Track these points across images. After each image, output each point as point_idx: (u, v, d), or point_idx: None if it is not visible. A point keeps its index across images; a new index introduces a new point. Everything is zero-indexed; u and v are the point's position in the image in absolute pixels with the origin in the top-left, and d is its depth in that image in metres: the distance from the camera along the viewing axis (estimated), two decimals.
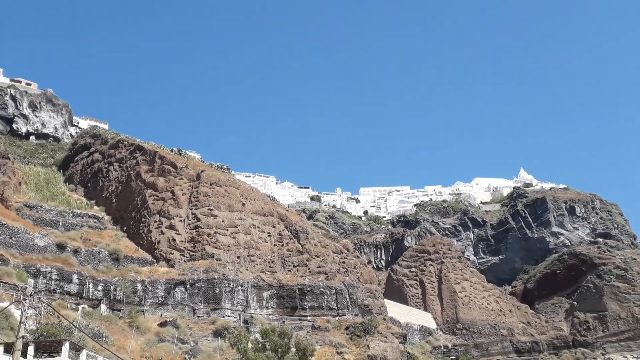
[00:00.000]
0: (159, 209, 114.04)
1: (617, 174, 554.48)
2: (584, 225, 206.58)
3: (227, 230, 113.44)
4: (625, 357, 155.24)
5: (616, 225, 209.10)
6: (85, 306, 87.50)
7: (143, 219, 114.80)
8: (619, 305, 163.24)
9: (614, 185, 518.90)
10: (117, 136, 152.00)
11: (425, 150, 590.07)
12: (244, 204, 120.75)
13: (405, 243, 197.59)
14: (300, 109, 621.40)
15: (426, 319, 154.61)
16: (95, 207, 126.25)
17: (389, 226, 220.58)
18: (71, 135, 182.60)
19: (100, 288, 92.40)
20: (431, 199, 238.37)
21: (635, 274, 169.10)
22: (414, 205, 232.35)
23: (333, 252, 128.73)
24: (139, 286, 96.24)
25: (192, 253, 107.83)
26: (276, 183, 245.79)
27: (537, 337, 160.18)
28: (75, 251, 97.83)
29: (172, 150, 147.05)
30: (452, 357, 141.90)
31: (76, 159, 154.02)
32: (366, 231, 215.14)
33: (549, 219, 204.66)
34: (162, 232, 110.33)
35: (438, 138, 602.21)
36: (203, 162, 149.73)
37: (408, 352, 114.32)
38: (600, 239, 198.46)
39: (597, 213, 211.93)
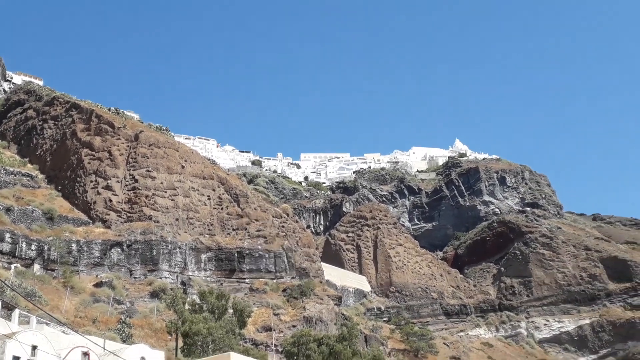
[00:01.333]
0: (96, 169, 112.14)
1: (548, 146, 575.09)
2: (513, 195, 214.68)
3: (166, 192, 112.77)
4: (547, 320, 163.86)
5: (544, 196, 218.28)
6: (18, 265, 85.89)
7: (79, 179, 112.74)
8: (543, 272, 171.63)
9: (544, 157, 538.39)
10: (52, 93, 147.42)
11: (365, 118, 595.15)
12: (183, 167, 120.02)
13: (344, 209, 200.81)
14: (242, 72, 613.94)
15: (361, 282, 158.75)
16: (29, 165, 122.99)
17: (329, 192, 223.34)
18: (4, 90, 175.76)
19: (33, 247, 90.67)
20: (370, 167, 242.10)
21: (560, 242, 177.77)
22: (353, 172, 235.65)
23: (273, 217, 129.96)
24: (73, 246, 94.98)
25: (129, 214, 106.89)
26: (217, 146, 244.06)
27: (465, 301, 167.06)
28: (8, 209, 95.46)
29: (109, 110, 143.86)
30: (385, 319, 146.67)
31: (9, 115, 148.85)
32: (306, 197, 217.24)
33: (481, 188, 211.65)
34: (99, 193, 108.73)
35: (378, 107, 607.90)
36: (142, 122, 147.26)
37: (343, 314, 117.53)
38: (528, 209, 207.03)
39: (526, 183, 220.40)
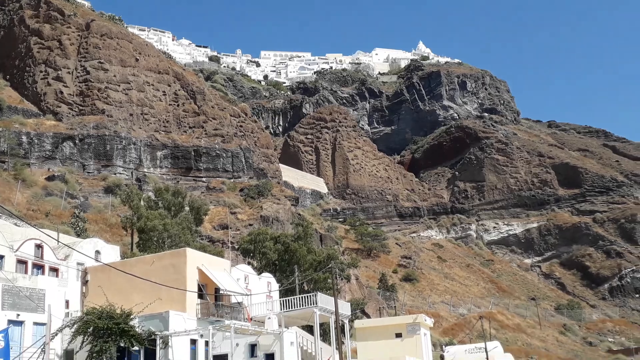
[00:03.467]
0: (45, 58, 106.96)
1: (510, 52, 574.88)
2: (472, 100, 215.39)
3: (119, 86, 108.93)
4: (497, 223, 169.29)
5: (502, 102, 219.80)
6: None
7: (28, 69, 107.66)
8: (496, 177, 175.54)
9: (506, 63, 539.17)
10: None
11: (328, 17, 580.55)
12: (137, 60, 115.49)
13: (304, 110, 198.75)
14: None
15: (318, 184, 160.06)
16: None
17: (288, 92, 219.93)
18: None
19: None
20: (331, 67, 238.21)
21: (514, 148, 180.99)
22: (314, 73, 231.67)
23: (230, 116, 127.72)
24: (24, 138, 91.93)
25: (81, 107, 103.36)
26: (173, 40, 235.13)
27: (419, 204, 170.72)
28: None
29: None
30: (340, 220, 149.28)
31: None
32: (265, 96, 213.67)
33: (441, 92, 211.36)
34: (49, 84, 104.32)
35: (342, 5, 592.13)
36: (93, 10, 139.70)
37: (299, 214, 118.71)
38: (486, 114, 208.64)
39: (486, 89, 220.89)
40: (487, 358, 49.57)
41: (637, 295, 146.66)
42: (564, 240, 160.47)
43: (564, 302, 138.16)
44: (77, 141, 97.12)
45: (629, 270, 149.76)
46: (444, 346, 70.09)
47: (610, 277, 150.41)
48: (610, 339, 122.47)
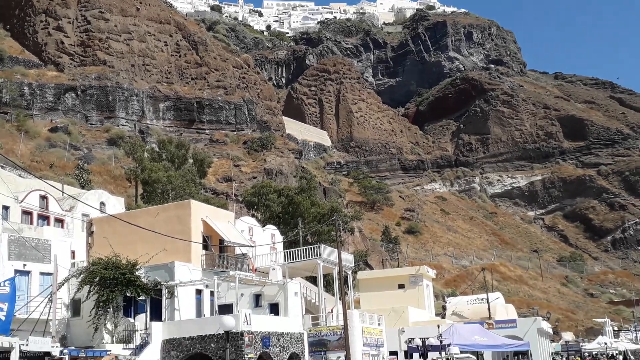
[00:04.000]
0: (45, 7, 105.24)
1: (516, 1, 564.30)
2: (478, 51, 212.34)
3: (120, 36, 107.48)
4: (501, 176, 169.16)
5: (509, 53, 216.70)
6: None
7: (28, 18, 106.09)
8: (501, 129, 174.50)
9: (513, 13, 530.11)
10: None
11: None
12: (138, 9, 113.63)
13: (307, 61, 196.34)
14: None
15: (322, 137, 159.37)
16: None
17: (292, 43, 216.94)
18: None
19: None
20: (335, 17, 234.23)
21: (520, 100, 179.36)
22: (318, 23, 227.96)
23: (233, 67, 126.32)
24: (26, 89, 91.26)
25: (82, 58, 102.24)
26: None
27: (423, 157, 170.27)
28: None
29: None
30: (344, 173, 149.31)
31: None
32: (268, 47, 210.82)
33: (447, 43, 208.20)
34: (49, 34, 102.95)
35: None
36: None
37: (303, 167, 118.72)
38: (492, 65, 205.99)
39: (492, 39, 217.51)
40: (489, 309, 50.03)
41: None
42: (567, 193, 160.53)
43: (567, 254, 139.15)
44: (79, 92, 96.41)
45: (632, 222, 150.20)
46: (445, 297, 70.82)
47: (613, 229, 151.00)
48: (611, 291, 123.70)
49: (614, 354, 58.09)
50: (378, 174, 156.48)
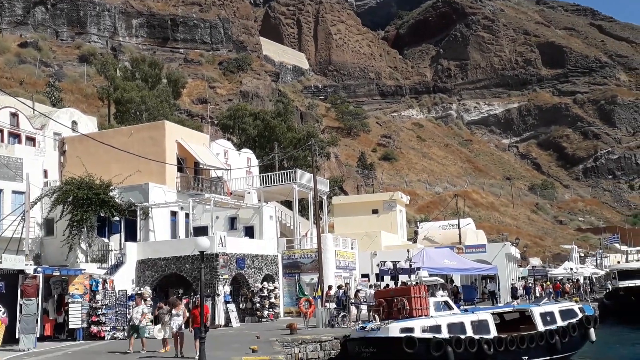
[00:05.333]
0: None
1: None
2: None
3: None
4: (478, 103, 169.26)
5: None
6: None
7: None
8: (480, 55, 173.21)
9: None
10: None
11: None
12: None
13: None
14: None
15: (300, 60, 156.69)
16: None
17: None
18: None
19: None
20: None
21: (500, 25, 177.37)
22: None
23: None
24: None
25: None
26: None
27: (401, 82, 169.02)
28: None
29: None
30: (321, 97, 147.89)
31: None
32: None
33: None
34: None
35: None
36: None
37: (280, 90, 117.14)
38: None
39: None
40: (460, 234, 51.06)
41: (610, 177, 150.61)
42: (543, 121, 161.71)
43: (538, 182, 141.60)
44: (49, 6, 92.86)
45: (604, 151, 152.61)
46: (418, 223, 72.04)
47: (586, 158, 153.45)
48: (580, 218, 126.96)
49: (579, 280, 60.19)
50: (356, 99, 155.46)
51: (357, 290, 31.71)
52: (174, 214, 37.18)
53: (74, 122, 44.61)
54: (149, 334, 22.53)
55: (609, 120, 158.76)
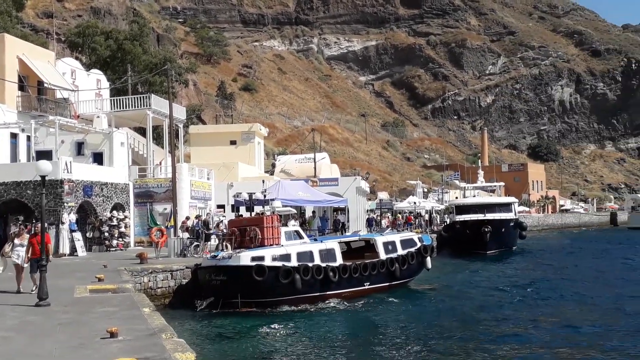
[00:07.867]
0: None
1: None
2: None
3: None
4: (338, 39, 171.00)
5: None
6: None
7: None
8: None
9: None
10: None
11: None
12: None
13: None
14: None
15: None
16: None
17: None
18: None
19: None
20: None
21: None
22: None
23: None
24: None
25: None
26: None
27: (264, 11, 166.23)
28: None
29: None
30: (180, 20, 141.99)
31: None
32: None
33: None
34: None
35: None
36: None
37: (135, 9, 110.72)
38: None
39: None
40: (315, 168, 52.27)
41: (456, 117, 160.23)
42: (398, 60, 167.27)
43: (390, 120, 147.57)
44: None
45: (451, 93, 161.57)
46: (276, 155, 72.70)
47: (435, 98, 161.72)
48: (425, 156, 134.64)
49: (421, 213, 64.48)
50: (217, 25, 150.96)
51: (220, 221, 31.71)
52: (14, 136, 34.64)
53: None
54: None
55: (458, 63, 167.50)
